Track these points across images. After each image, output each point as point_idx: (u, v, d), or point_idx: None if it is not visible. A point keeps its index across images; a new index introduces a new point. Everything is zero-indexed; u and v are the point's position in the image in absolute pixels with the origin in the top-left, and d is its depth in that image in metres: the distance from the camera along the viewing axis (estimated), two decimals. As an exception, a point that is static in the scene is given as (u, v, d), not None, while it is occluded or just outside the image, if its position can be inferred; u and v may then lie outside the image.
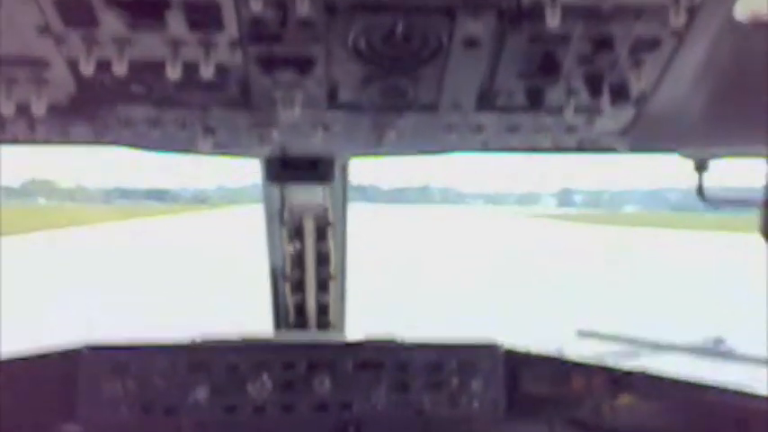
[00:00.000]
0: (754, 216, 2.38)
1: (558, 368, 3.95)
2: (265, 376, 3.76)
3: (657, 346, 4.72)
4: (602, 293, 25.30)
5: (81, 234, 52.26)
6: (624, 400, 3.93)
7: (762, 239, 2.30)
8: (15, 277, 25.09)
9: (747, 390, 3.87)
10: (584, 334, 4.94)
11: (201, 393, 3.73)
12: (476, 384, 3.86)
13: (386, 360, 3.85)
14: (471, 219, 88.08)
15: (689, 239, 53.46)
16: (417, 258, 37.34)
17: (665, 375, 3.92)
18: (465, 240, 51.68)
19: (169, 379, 3.74)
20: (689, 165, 3.01)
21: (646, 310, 20.11)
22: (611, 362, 4.09)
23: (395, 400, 3.82)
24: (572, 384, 3.94)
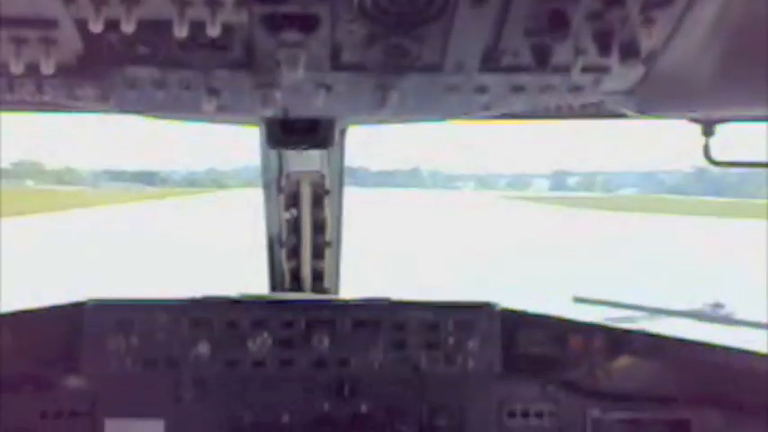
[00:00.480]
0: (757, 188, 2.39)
1: (555, 328, 4.06)
2: (265, 333, 3.90)
3: (655, 311, 4.80)
4: (598, 269, 25.52)
5: (70, 217, 52.05)
6: (621, 361, 4.02)
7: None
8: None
9: (747, 349, 3.96)
10: (580, 300, 5.00)
11: (203, 348, 3.87)
12: (472, 343, 3.98)
13: (383, 318, 3.98)
14: (462, 203, 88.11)
15: (687, 224, 53.64)
16: (408, 243, 37.47)
17: (664, 335, 4.01)
18: (456, 225, 51.81)
19: (171, 334, 3.89)
20: (686, 141, 3.07)
21: (643, 284, 20.33)
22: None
23: (391, 357, 3.96)
24: (569, 345, 4.03)
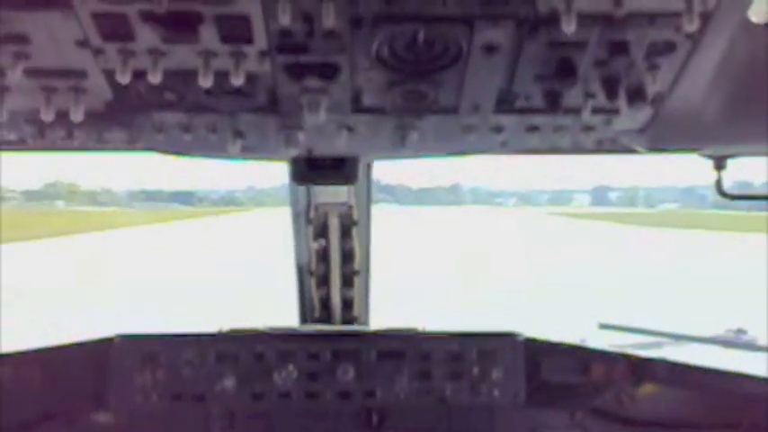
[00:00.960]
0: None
1: (578, 357, 4.11)
2: (291, 366, 4.01)
3: (679, 338, 4.83)
4: (628, 291, 25.28)
5: (97, 239, 52.44)
6: (645, 388, 4.07)
7: None
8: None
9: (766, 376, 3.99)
10: (605, 326, 5.06)
11: (229, 382, 3.99)
12: (496, 373, 4.05)
13: (408, 349, 4.06)
14: (503, 219, 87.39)
15: (726, 241, 52.55)
16: (447, 259, 37.36)
17: (685, 363, 4.05)
18: (496, 241, 51.54)
19: (197, 368, 4.01)
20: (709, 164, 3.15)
21: (672, 308, 20.07)
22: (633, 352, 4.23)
23: (417, 388, 4.04)
24: (592, 373, 4.09)
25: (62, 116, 2.30)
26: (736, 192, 3.16)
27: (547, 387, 4.13)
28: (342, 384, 4.05)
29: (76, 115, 2.29)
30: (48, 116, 2.29)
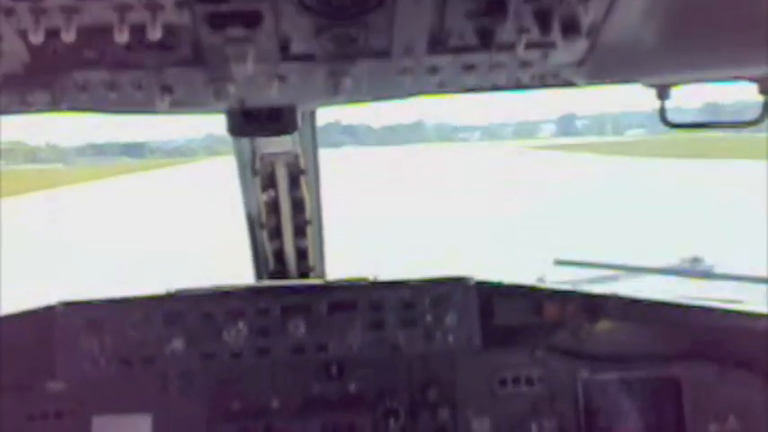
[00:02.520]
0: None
1: (531, 297, 4.23)
2: (240, 323, 4.06)
3: (635, 269, 4.97)
4: (585, 225, 25.75)
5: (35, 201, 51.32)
6: (601, 324, 4.21)
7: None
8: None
9: (723, 306, 4.14)
10: (561, 263, 5.18)
11: (178, 343, 4.04)
12: (450, 319, 4.16)
13: (359, 300, 4.14)
14: (467, 157, 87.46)
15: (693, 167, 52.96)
16: (410, 201, 37.52)
17: (637, 297, 4.18)
18: (460, 180, 51.74)
19: (145, 331, 4.06)
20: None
21: (631, 239, 20.50)
22: (588, 288, 4.34)
23: (369, 339, 4.13)
24: (546, 312, 4.21)
25: None
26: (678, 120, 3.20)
27: (502, 329, 4.23)
28: (293, 339, 4.11)
29: None
30: None
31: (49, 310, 4.11)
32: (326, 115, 4.22)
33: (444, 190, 43.66)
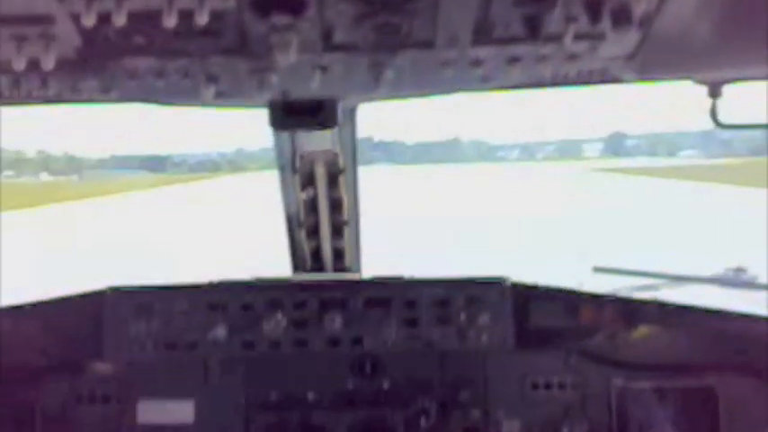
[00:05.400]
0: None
1: (567, 301, 4.38)
2: (279, 314, 4.34)
3: (676, 278, 5.06)
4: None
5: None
6: (639, 331, 4.31)
7: None
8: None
9: (764, 315, 4.21)
10: (600, 270, 5.31)
11: (220, 331, 4.34)
12: (484, 318, 4.35)
13: (394, 296, 4.38)
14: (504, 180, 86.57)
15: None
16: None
17: (678, 303, 4.29)
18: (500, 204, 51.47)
19: (189, 318, 4.37)
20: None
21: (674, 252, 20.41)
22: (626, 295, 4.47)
23: (404, 335, 4.36)
24: (582, 316, 4.34)
25: (35, 65, 2.41)
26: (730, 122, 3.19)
27: (537, 331, 4.40)
28: (329, 332, 4.37)
29: (48, 63, 2.40)
30: (19, 65, 2.40)
31: (99, 294, 4.46)
32: (359, 130, 4.41)
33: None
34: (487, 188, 67.20)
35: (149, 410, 4.41)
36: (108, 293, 4.46)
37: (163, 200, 66.72)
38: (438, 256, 23.16)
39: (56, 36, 2.38)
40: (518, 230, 33.13)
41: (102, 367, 4.45)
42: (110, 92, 2.88)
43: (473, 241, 29.18)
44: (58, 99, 3.16)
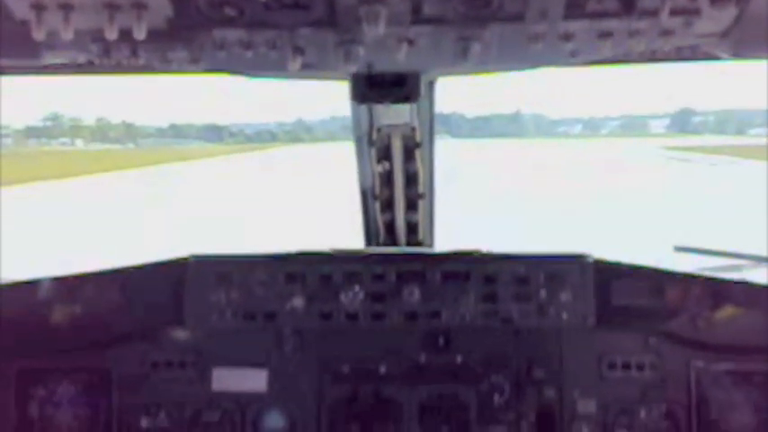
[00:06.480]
0: None
1: (650, 279, 4.36)
2: (357, 287, 4.43)
3: (761, 259, 4.98)
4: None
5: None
6: (723, 311, 4.28)
7: None
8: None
9: None
10: (681, 249, 5.25)
11: (298, 301, 4.47)
12: (564, 296, 4.38)
13: (473, 271, 4.42)
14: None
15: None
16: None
17: (764, 284, 4.23)
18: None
19: (268, 288, 4.50)
20: None
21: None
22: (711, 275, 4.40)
23: (482, 310, 4.41)
24: (666, 296, 4.32)
25: (126, 34, 2.49)
26: None
27: (618, 310, 4.40)
28: (407, 305, 4.45)
29: (139, 33, 2.48)
30: (111, 34, 2.48)
31: (181, 262, 4.61)
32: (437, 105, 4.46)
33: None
34: (554, 163, 66.48)
35: (224, 378, 4.55)
36: (191, 260, 4.60)
37: (223, 167, 67.35)
38: (509, 230, 23.25)
39: (148, 6, 2.45)
40: (593, 208, 32.87)
41: (181, 334, 4.60)
42: (198, 62, 2.94)
43: (543, 217, 29.07)
44: (146, 69, 3.25)
